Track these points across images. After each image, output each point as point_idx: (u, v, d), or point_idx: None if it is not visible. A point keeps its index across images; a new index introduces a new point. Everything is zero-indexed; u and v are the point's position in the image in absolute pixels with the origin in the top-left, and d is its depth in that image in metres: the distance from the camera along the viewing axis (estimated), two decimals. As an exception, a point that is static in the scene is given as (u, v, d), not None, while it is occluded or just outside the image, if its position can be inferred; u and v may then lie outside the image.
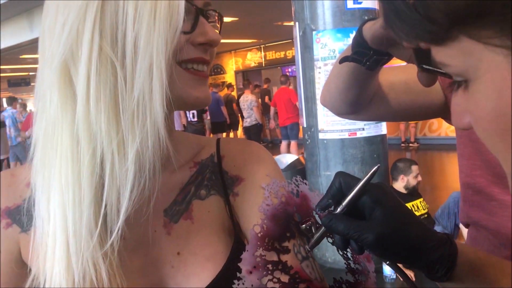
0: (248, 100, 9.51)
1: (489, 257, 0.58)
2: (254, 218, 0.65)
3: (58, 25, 0.54)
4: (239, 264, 0.55)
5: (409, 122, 9.49)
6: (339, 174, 0.57)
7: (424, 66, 0.64)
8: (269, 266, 0.57)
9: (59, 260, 0.56)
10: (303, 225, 0.59)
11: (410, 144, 9.47)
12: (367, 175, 0.55)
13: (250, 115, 9.46)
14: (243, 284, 0.54)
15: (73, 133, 0.55)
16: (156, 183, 0.57)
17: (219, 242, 0.66)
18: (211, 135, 9.82)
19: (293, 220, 0.63)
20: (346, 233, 0.53)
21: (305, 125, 3.74)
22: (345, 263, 0.62)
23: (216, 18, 0.63)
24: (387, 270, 3.51)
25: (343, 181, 0.56)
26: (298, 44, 3.70)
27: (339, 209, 0.55)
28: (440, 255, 0.53)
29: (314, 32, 3.55)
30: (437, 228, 3.69)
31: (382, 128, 3.65)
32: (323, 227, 0.56)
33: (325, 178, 3.63)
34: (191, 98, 0.60)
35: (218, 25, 0.64)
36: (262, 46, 13.18)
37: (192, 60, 0.59)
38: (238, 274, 0.54)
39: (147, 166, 0.55)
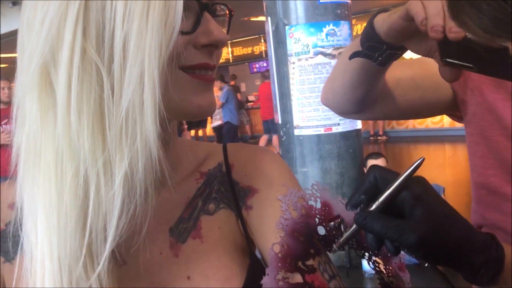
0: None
1: None
2: (271, 234, 0.58)
3: (37, 20, 0.46)
4: None
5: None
6: (374, 168, 0.51)
7: (448, 60, 0.59)
8: None
9: None
10: (331, 223, 0.53)
11: (379, 137, 9.61)
12: (409, 168, 0.48)
13: (219, 112, 9.32)
14: None
15: (55, 147, 0.47)
16: (149, 208, 0.49)
17: (233, 263, 0.59)
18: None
19: (316, 234, 0.57)
20: (383, 233, 0.47)
21: (280, 122, 3.70)
22: (378, 278, 0.56)
23: (227, 12, 0.56)
24: (366, 265, 3.51)
25: (378, 176, 0.50)
26: (271, 39, 3.65)
27: (374, 206, 0.49)
28: (486, 258, 0.48)
29: (287, 27, 3.50)
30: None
31: (357, 122, 3.65)
32: (355, 226, 0.50)
33: (301, 174, 3.60)
34: (193, 107, 0.52)
35: (227, 22, 0.56)
36: (229, 42, 13.04)
37: (194, 67, 0.51)
38: None
39: (137, 190, 0.47)
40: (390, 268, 0.56)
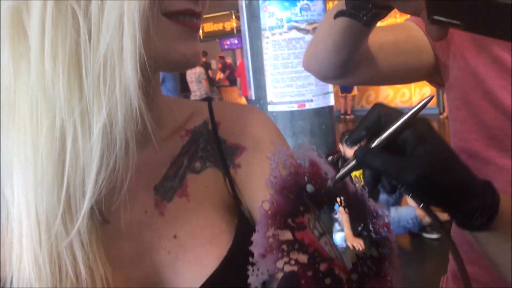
0: (196, 73, 9.21)
1: None
2: (260, 193, 0.56)
3: None
4: (250, 248, 0.47)
5: (348, 95, 9.75)
6: (378, 106, 0.49)
7: (436, 17, 0.58)
8: (284, 246, 0.49)
9: (27, 250, 0.46)
10: (330, 157, 0.52)
11: (347, 116, 9.75)
12: (416, 106, 0.47)
13: (199, 88, 9.18)
14: (257, 270, 0.46)
15: (29, 96, 0.43)
16: (131, 162, 0.47)
17: (221, 222, 0.57)
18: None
19: (305, 193, 0.55)
20: (383, 170, 0.46)
21: (253, 98, 3.67)
22: (366, 235, 0.56)
23: None
24: (338, 238, 3.58)
25: (382, 113, 0.48)
26: (244, 13, 3.58)
27: (376, 142, 0.48)
28: (482, 203, 0.48)
29: (260, 1, 3.44)
30: (382, 196, 3.81)
31: (330, 99, 3.66)
32: (354, 161, 0.49)
33: (274, 151, 3.59)
34: (176, 56, 0.49)
35: None
36: (199, 18, 12.82)
37: (177, 12, 0.48)
38: (250, 259, 0.46)
39: (117, 143, 0.44)
40: (377, 227, 0.56)
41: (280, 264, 0.48)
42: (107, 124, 0.44)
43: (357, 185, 0.55)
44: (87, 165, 0.44)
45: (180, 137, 0.60)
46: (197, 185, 0.58)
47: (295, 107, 3.51)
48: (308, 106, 3.53)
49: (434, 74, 0.90)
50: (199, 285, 0.53)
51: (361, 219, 0.56)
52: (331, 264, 0.52)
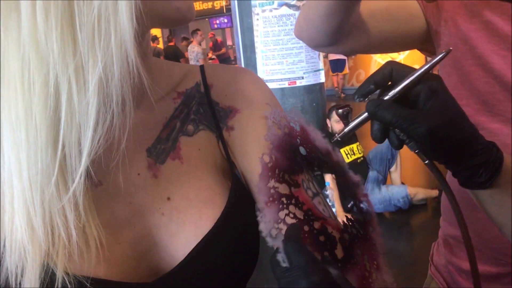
0: (194, 52, 9.12)
1: None
2: (255, 155, 0.56)
3: None
4: (255, 194, 0.47)
5: (339, 73, 9.73)
6: (391, 62, 0.50)
7: None
8: (284, 199, 0.50)
9: (18, 212, 0.45)
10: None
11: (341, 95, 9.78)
12: (431, 61, 0.48)
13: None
14: (264, 216, 0.48)
15: (20, 54, 0.42)
16: (127, 120, 0.46)
17: (215, 184, 0.57)
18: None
19: (299, 153, 0.56)
20: (394, 121, 0.47)
21: (243, 75, 3.64)
22: (352, 203, 0.57)
23: None
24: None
25: (395, 69, 0.49)
26: (234, -11, 3.54)
27: (390, 94, 0.48)
28: (486, 159, 0.49)
29: (250, -23, 3.39)
30: (371, 173, 3.84)
31: (321, 76, 3.65)
32: (365, 114, 0.49)
33: (265, 128, 3.59)
34: (171, 10, 0.48)
35: None
36: (188, -4, 12.62)
37: None
38: (257, 206, 0.47)
39: (113, 98, 0.44)
40: (359, 196, 0.56)
41: (282, 214, 0.50)
42: (103, 79, 0.43)
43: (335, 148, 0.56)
44: (83, 122, 0.43)
45: (172, 99, 0.59)
46: (190, 148, 0.58)
47: (286, 85, 3.50)
48: (299, 83, 3.52)
49: (425, 41, 0.90)
50: (194, 246, 0.53)
51: (345, 187, 0.57)
52: (324, 223, 0.53)
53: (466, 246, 0.53)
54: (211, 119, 0.60)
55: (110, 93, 0.44)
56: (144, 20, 0.44)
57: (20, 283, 0.45)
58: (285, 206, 0.50)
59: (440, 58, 0.49)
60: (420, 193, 3.75)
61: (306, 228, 0.50)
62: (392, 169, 3.91)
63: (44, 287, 0.46)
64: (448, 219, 0.92)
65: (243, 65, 3.61)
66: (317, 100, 3.65)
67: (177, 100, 0.60)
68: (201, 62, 9.02)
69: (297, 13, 3.35)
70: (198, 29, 9.54)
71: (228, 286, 0.56)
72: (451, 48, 0.52)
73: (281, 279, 0.41)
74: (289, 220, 0.49)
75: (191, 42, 10.64)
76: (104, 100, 0.44)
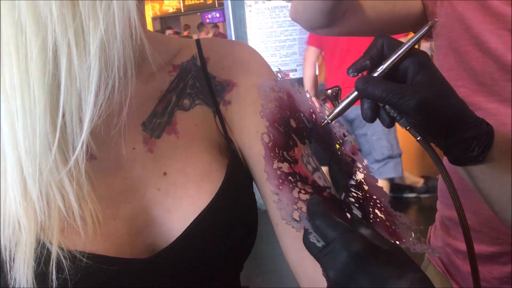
0: None
1: None
2: (253, 129, 0.55)
3: None
4: (266, 179, 0.46)
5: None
6: (381, 36, 0.48)
7: None
8: (290, 178, 0.49)
9: (12, 184, 0.43)
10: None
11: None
12: (418, 33, 0.47)
13: None
14: (281, 201, 0.46)
15: (15, 19, 0.40)
16: (129, 85, 0.45)
17: (212, 159, 0.56)
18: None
19: (290, 126, 0.55)
20: (384, 97, 0.46)
21: (236, 68, 3.63)
22: (339, 169, 0.56)
23: None
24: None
25: (386, 43, 0.47)
26: (227, -19, 3.51)
27: (378, 71, 0.47)
28: (478, 132, 0.49)
29: (243, -32, 3.37)
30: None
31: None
32: (355, 93, 0.48)
33: (259, 121, 3.58)
34: None
35: None
36: (180, -9, 12.59)
37: None
38: (271, 190, 0.46)
39: (115, 62, 0.42)
40: (345, 153, 0.56)
41: (295, 193, 0.48)
42: (105, 41, 0.41)
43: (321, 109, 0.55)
44: (84, 87, 0.42)
45: (168, 72, 0.58)
46: (186, 123, 0.57)
47: (279, 77, 3.47)
48: (292, 75, 3.52)
49: (421, 23, 0.90)
50: (191, 221, 0.52)
51: (331, 153, 0.56)
52: (330, 191, 0.52)
53: (461, 224, 0.53)
54: (208, 93, 0.59)
55: (111, 57, 0.42)
56: None
57: (13, 258, 0.44)
58: (294, 184, 0.49)
59: (425, 30, 0.48)
60: (406, 177, 3.74)
61: (320, 199, 0.49)
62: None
63: (38, 262, 0.45)
64: (445, 201, 0.92)
65: (236, 58, 3.59)
66: (311, 92, 3.64)
67: (173, 73, 0.58)
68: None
69: (289, 4, 3.34)
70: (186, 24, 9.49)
71: (226, 263, 0.55)
72: (436, 19, 0.51)
73: (321, 259, 0.40)
74: (304, 197, 0.47)
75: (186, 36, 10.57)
76: (106, 64, 0.42)
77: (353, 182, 0.54)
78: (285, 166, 0.50)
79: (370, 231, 0.42)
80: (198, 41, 0.62)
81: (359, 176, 0.54)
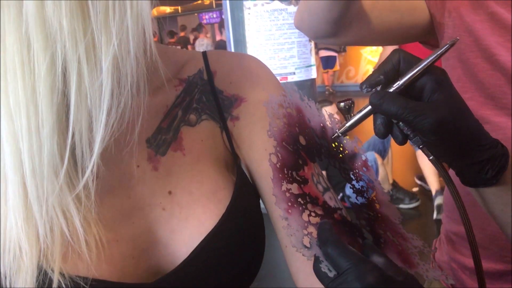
0: (203, 44, 9.19)
1: None
2: (261, 146, 0.53)
3: None
4: (275, 204, 0.44)
5: (329, 70, 9.73)
6: (398, 51, 0.47)
7: None
8: (300, 200, 0.47)
9: (14, 207, 0.41)
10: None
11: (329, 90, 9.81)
12: (437, 52, 0.45)
13: None
14: (290, 227, 0.44)
15: (21, 34, 0.38)
16: (142, 103, 0.43)
17: (218, 177, 0.54)
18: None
19: (299, 145, 0.53)
20: (400, 114, 0.44)
21: (234, 70, 3.61)
22: (350, 187, 0.54)
23: None
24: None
25: (402, 58, 0.46)
26: (225, -17, 3.49)
27: (394, 87, 0.46)
28: (493, 154, 0.47)
29: (242, -30, 3.35)
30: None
31: (312, 72, 3.63)
32: (369, 107, 0.47)
33: (256, 124, 3.57)
34: None
35: None
36: (177, -9, 12.55)
37: None
38: (280, 215, 0.44)
39: (128, 78, 0.40)
40: (357, 172, 0.54)
41: (305, 217, 0.46)
42: (118, 57, 0.39)
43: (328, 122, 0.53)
44: (95, 106, 0.40)
45: (174, 86, 0.56)
46: (192, 139, 0.55)
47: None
48: (291, 79, 3.50)
49: (428, 34, 0.88)
50: (197, 243, 0.50)
51: (342, 169, 0.54)
52: (342, 213, 0.50)
53: (470, 243, 0.51)
54: (215, 108, 0.57)
55: (124, 73, 0.40)
56: None
57: (14, 286, 0.42)
58: (304, 206, 0.47)
59: (445, 49, 0.47)
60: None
61: (330, 221, 0.47)
62: (384, 162, 3.90)
63: None
64: (451, 216, 0.91)
65: (234, 60, 3.58)
66: (309, 96, 3.59)
67: (179, 88, 0.56)
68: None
69: (289, 7, 3.33)
70: (183, 25, 9.52)
71: (233, 286, 0.53)
72: (457, 38, 0.50)
73: None
74: (314, 220, 0.45)
75: (185, 36, 10.55)
76: (119, 81, 0.40)
77: (364, 201, 0.53)
78: (294, 187, 0.48)
79: (383, 260, 0.41)
80: (204, 54, 0.60)
81: (371, 193, 0.53)
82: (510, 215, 0.51)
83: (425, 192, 3.92)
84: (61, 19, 0.37)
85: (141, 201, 0.51)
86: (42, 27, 0.38)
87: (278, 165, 0.47)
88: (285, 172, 0.48)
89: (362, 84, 0.48)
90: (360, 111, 0.48)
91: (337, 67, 9.77)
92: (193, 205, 0.52)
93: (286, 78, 3.50)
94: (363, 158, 0.53)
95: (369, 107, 0.48)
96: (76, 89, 0.39)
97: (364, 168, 0.53)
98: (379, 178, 3.60)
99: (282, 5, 3.37)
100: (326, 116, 0.53)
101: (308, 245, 0.44)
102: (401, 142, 0.49)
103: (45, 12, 0.37)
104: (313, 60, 3.62)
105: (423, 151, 0.49)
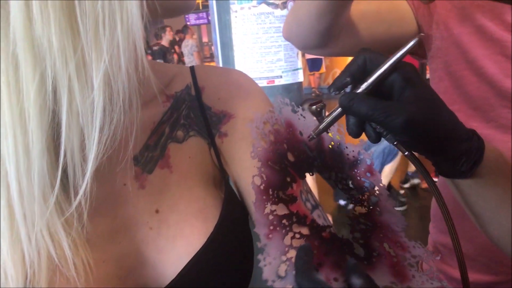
0: (188, 45, 9.10)
1: None
2: (249, 163, 0.53)
3: None
4: (254, 230, 0.43)
5: (315, 72, 9.76)
6: (364, 50, 0.46)
7: None
8: (285, 221, 0.46)
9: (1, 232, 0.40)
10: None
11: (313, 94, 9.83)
12: (402, 49, 0.44)
13: (190, 60, 9.03)
14: (268, 255, 0.43)
15: (8, 54, 0.37)
16: (135, 119, 0.42)
17: (206, 195, 0.53)
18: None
19: (287, 161, 0.52)
20: (370, 114, 0.43)
21: (221, 73, 3.60)
22: (348, 198, 0.53)
23: None
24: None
25: (368, 58, 0.45)
26: (212, -15, 3.48)
27: (363, 87, 0.45)
28: (468, 147, 0.47)
29: (229, -27, 3.34)
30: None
31: (299, 75, 3.63)
32: (339, 109, 0.46)
33: (243, 127, 3.56)
34: None
35: None
36: (163, -8, 12.45)
37: None
38: (257, 244, 0.43)
39: (120, 94, 0.39)
40: (359, 179, 0.53)
41: (287, 240, 0.46)
42: (109, 74, 0.38)
43: (330, 134, 0.53)
44: (87, 124, 0.39)
45: (161, 102, 0.55)
46: (180, 156, 0.54)
47: (264, 83, 3.46)
48: (278, 82, 3.49)
49: (416, 45, 0.88)
50: (185, 262, 0.49)
51: (339, 180, 0.53)
52: (331, 231, 0.49)
53: (456, 252, 0.51)
54: (203, 124, 0.56)
55: (116, 89, 0.39)
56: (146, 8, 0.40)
57: None
58: (288, 228, 0.46)
59: (411, 45, 0.46)
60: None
61: (316, 242, 0.46)
62: (389, 165, 3.83)
63: None
64: (438, 226, 0.91)
65: (220, 63, 3.56)
66: (296, 99, 3.63)
67: (166, 104, 0.55)
68: (195, 56, 8.94)
69: (276, 11, 3.32)
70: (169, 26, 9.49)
71: None
72: (422, 34, 0.49)
73: None
74: (296, 243, 0.45)
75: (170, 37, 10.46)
76: (111, 97, 0.39)
77: (364, 211, 0.52)
78: (281, 208, 0.47)
79: (361, 282, 0.40)
80: (192, 69, 0.59)
81: (373, 201, 0.52)
82: (481, 206, 0.52)
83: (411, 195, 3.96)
84: (50, 37, 0.36)
85: (128, 220, 0.50)
86: (30, 46, 0.37)
87: (262, 187, 0.47)
88: (270, 193, 0.47)
89: (329, 87, 0.48)
90: (332, 113, 0.48)
91: (323, 69, 9.81)
92: (181, 224, 0.51)
93: (273, 81, 3.49)
94: (368, 162, 0.52)
95: (340, 108, 0.47)
96: (67, 108, 0.38)
97: (368, 174, 0.53)
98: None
99: (269, 9, 3.36)
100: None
101: (283, 274, 0.43)
102: (374, 141, 0.48)
103: (34, 30, 0.36)
104: (300, 63, 3.62)
105: (397, 147, 0.49)
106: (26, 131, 0.38)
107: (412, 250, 0.50)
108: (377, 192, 0.52)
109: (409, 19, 0.85)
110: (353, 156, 0.52)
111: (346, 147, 0.52)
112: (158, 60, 8.17)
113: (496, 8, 0.76)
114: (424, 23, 0.84)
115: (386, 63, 0.45)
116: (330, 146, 0.53)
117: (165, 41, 8.70)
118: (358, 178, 0.53)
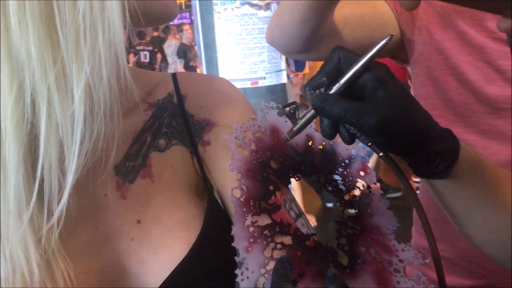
0: (172, 46, 9.03)
1: (488, 160, 0.53)
2: (232, 172, 0.52)
3: None
4: (233, 244, 0.42)
5: (299, 73, 9.78)
6: (338, 49, 0.45)
7: None
8: (266, 232, 0.45)
9: None
10: (287, 108, 0.48)
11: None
12: (374, 48, 0.43)
13: (174, 61, 8.93)
14: (246, 269, 0.42)
15: None
16: (116, 130, 0.41)
17: (189, 204, 0.53)
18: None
19: (270, 170, 0.51)
20: (342, 116, 0.43)
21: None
22: (337, 200, 0.52)
23: None
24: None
25: (342, 57, 0.44)
26: (195, -14, 3.46)
27: (335, 88, 0.44)
28: (443, 148, 0.46)
29: (212, -26, 3.33)
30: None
31: (283, 77, 3.63)
32: (312, 110, 0.45)
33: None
34: (157, 5, 0.44)
35: None
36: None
37: None
38: (236, 259, 0.42)
39: (101, 106, 0.38)
40: (351, 179, 0.52)
41: (268, 252, 0.45)
42: (90, 84, 0.37)
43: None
44: (66, 136, 0.38)
45: (143, 111, 0.54)
46: (162, 165, 0.53)
47: (248, 85, 3.46)
48: (261, 83, 3.49)
49: (399, 50, 0.89)
50: (168, 273, 0.48)
51: (329, 182, 0.52)
52: (315, 239, 0.49)
53: (433, 254, 0.51)
54: (185, 133, 0.55)
55: (97, 101, 0.38)
56: (128, 17, 0.39)
57: None
58: (269, 239, 0.45)
59: (383, 44, 0.45)
60: None
61: (299, 252, 0.46)
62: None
63: None
64: (421, 230, 0.92)
65: (204, 64, 3.54)
66: (279, 100, 3.63)
67: (148, 112, 0.54)
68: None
69: (259, 12, 3.32)
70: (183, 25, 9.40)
71: None
72: (393, 33, 0.49)
73: None
74: (277, 254, 0.44)
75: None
76: (91, 109, 0.38)
77: (353, 213, 0.51)
78: (263, 218, 0.46)
79: None
80: (174, 76, 0.58)
81: (365, 202, 0.51)
82: (458, 206, 0.52)
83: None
84: (29, 47, 0.35)
85: (109, 231, 0.49)
86: (8, 56, 0.36)
87: (242, 199, 0.46)
88: (251, 204, 0.46)
89: (304, 87, 0.47)
90: (305, 115, 0.47)
91: (306, 70, 9.85)
92: (163, 234, 0.50)
93: (257, 82, 3.49)
94: (362, 160, 0.51)
95: (313, 110, 0.47)
96: (46, 120, 0.37)
97: (361, 173, 0.52)
98: None
99: (253, 10, 3.36)
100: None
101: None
102: (348, 142, 0.48)
103: (11, 40, 0.35)
104: (283, 65, 3.62)
105: (371, 148, 0.48)
106: (2, 143, 0.37)
107: (401, 254, 0.49)
108: (369, 191, 0.51)
109: (392, 25, 0.86)
110: (347, 155, 0.51)
111: (339, 145, 0.51)
112: (179, 60, 8.08)
113: (477, 15, 0.77)
114: (406, 29, 0.85)
115: (358, 63, 0.44)
116: (321, 147, 0.52)
117: (185, 39, 8.64)
118: (350, 178, 0.52)
